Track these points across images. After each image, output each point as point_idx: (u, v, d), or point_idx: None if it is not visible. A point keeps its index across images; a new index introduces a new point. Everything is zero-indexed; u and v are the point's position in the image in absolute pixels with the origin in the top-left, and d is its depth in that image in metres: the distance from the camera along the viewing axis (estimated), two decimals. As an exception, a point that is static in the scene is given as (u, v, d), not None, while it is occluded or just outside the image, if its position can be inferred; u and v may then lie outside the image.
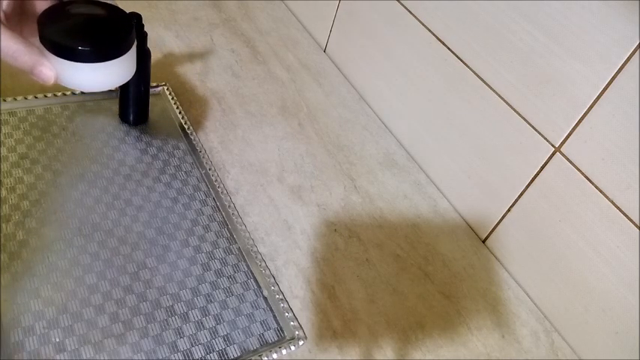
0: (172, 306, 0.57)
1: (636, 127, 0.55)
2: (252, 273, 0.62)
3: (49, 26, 0.40)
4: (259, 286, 0.61)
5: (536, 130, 0.65)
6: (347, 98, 0.92)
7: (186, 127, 0.76)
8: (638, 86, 0.54)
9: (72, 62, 0.40)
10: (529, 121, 0.65)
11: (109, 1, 0.45)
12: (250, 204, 0.70)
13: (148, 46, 0.68)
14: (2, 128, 0.68)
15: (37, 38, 0.41)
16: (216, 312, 0.58)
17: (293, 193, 0.73)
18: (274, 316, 0.59)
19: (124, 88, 0.71)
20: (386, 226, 0.72)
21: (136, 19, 0.64)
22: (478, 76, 0.71)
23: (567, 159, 0.62)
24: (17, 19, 0.41)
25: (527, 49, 0.64)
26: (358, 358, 0.58)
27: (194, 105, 0.81)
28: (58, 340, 0.52)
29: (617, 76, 0.55)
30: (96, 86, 0.43)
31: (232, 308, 0.59)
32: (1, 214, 0.59)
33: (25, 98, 0.72)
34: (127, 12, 0.63)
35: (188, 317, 0.57)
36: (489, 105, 0.70)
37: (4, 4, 0.40)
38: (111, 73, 0.42)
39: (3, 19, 0.40)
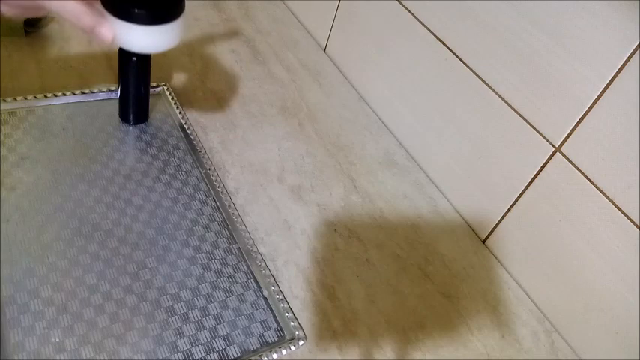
0: (172, 306, 0.57)
1: (636, 127, 0.55)
2: (252, 273, 0.62)
3: None
4: (259, 286, 0.61)
5: (536, 130, 0.65)
6: (347, 98, 0.92)
7: (186, 127, 0.76)
8: (638, 86, 0.54)
9: (129, 24, 0.43)
10: (529, 121, 0.65)
11: None
12: (250, 204, 0.70)
13: (148, 46, 0.68)
14: (2, 128, 0.68)
15: (96, 1, 0.44)
16: (216, 312, 0.58)
17: (293, 193, 0.73)
18: (274, 316, 0.59)
19: (124, 88, 0.71)
20: (386, 226, 0.72)
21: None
22: (478, 76, 0.71)
23: (567, 159, 0.62)
24: None
25: (527, 49, 0.64)
26: (358, 358, 0.58)
27: (194, 105, 0.81)
28: (58, 340, 0.52)
29: (617, 76, 0.56)
30: (147, 48, 0.47)
31: (232, 308, 0.59)
32: (1, 214, 0.59)
33: (25, 98, 0.72)
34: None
35: (188, 317, 0.57)
36: (489, 105, 0.70)
37: None
38: (161, 37, 0.46)
39: None
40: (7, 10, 0.43)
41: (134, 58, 0.67)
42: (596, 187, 0.60)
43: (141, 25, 0.44)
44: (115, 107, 0.75)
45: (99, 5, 0.44)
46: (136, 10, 0.43)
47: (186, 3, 1.00)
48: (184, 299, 0.58)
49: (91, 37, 0.45)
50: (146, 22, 0.44)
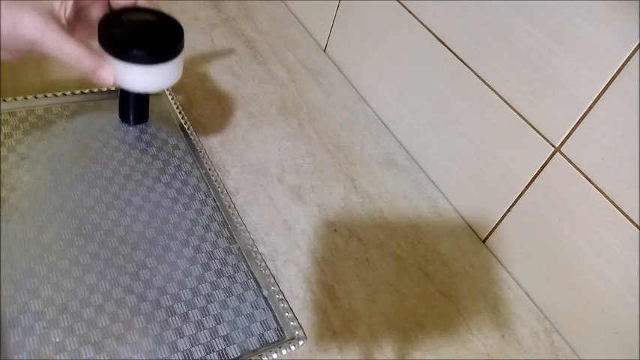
0: (172, 306, 0.57)
1: (636, 127, 0.55)
2: (252, 273, 0.62)
3: (109, 31, 0.43)
4: (259, 286, 0.61)
5: (536, 130, 0.65)
6: (347, 98, 0.92)
7: (186, 127, 0.76)
8: (638, 86, 0.54)
9: (128, 64, 0.43)
10: (529, 121, 0.65)
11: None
12: (250, 204, 0.70)
13: (148, 46, 0.68)
14: (2, 128, 0.68)
15: (92, 41, 0.44)
16: (216, 312, 0.58)
17: (293, 193, 0.73)
18: (274, 316, 0.59)
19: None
20: (386, 226, 0.72)
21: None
22: (478, 76, 0.71)
23: (567, 159, 0.62)
24: (73, 23, 0.44)
25: (527, 49, 0.64)
26: (358, 358, 0.58)
27: (194, 105, 0.81)
28: (58, 340, 0.52)
29: (617, 76, 0.56)
30: (148, 87, 0.46)
31: (232, 308, 0.59)
32: (1, 213, 0.59)
33: (25, 98, 0.72)
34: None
35: (188, 317, 0.57)
36: (489, 105, 0.70)
37: (68, 6, 0.42)
38: (161, 75, 0.46)
39: (65, 26, 0.43)
40: (4, 55, 0.43)
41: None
42: (596, 187, 0.60)
43: (141, 66, 0.44)
44: (115, 107, 0.75)
45: (97, 46, 0.44)
46: (135, 51, 0.43)
47: (187, 3, 1.00)
48: (184, 299, 0.58)
49: (91, 79, 0.45)
50: (146, 62, 0.44)
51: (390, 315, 0.63)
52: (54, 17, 0.42)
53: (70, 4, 0.43)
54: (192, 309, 0.57)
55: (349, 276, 0.65)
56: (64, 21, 0.43)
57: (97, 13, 0.46)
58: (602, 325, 0.62)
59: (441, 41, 0.75)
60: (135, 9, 0.47)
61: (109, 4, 0.47)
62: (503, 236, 0.72)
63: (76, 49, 0.43)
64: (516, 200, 0.69)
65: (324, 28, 0.99)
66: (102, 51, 0.44)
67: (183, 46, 0.46)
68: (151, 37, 0.45)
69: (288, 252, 0.66)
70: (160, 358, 0.53)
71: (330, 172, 0.78)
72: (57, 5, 0.42)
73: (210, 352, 0.54)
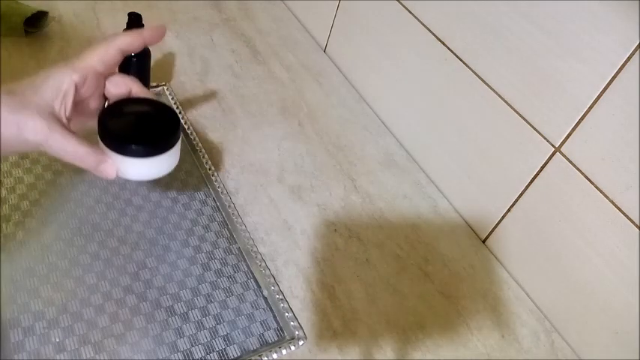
0: (172, 306, 0.57)
1: (636, 127, 0.55)
2: (252, 273, 0.62)
3: (108, 127, 0.45)
4: (259, 286, 0.61)
5: (536, 130, 0.65)
6: (347, 98, 0.92)
7: (186, 127, 0.76)
8: (638, 86, 0.54)
9: (129, 158, 0.45)
10: (529, 121, 0.65)
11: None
12: (250, 204, 0.70)
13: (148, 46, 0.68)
14: (2, 128, 0.68)
15: (84, 127, 0.47)
16: (216, 312, 0.58)
17: (293, 193, 0.73)
18: (274, 316, 0.59)
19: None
20: (386, 226, 0.72)
21: (136, 17, 0.65)
22: (478, 76, 0.71)
23: (567, 159, 0.62)
24: (70, 116, 0.45)
25: (527, 49, 0.64)
26: (358, 358, 0.58)
27: (194, 105, 0.81)
28: (58, 340, 0.52)
29: (617, 76, 0.55)
30: (149, 176, 0.48)
31: (232, 308, 0.59)
32: (1, 214, 0.59)
33: (25, 98, 0.72)
34: (129, 14, 0.63)
35: (188, 317, 0.57)
36: (489, 105, 0.70)
37: (68, 106, 0.44)
38: (161, 165, 0.47)
39: (66, 123, 0.44)
40: (7, 154, 0.44)
41: (134, 59, 0.67)
42: (596, 187, 0.60)
43: (141, 159, 0.46)
44: (115, 107, 0.75)
45: (100, 145, 0.46)
46: (135, 147, 0.44)
47: (187, 3, 1.00)
48: (184, 299, 0.58)
49: (94, 174, 0.46)
50: (146, 156, 0.46)
51: (390, 315, 0.63)
52: (56, 119, 0.43)
53: (69, 104, 0.44)
54: (192, 309, 0.57)
55: (349, 276, 0.65)
56: (64, 120, 0.44)
57: (93, 104, 0.47)
58: (602, 325, 0.62)
59: (441, 41, 0.75)
60: (131, 99, 0.48)
61: (104, 95, 0.48)
62: (503, 236, 0.72)
63: (78, 149, 0.43)
64: (516, 200, 0.69)
65: (324, 28, 0.99)
66: (103, 145, 0.46)
67: (179, 135, 0.48)
68: (148, 131, 0.46)
69: (288, 252, 0.66)
70: (160, 358, 0.53)
71: (330, 172, 0.78)
72: (57, 106, 0.43)
73: (210, 352, 0.54)
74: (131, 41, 0.47)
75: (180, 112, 0.78)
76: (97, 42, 0.46)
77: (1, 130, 0.40)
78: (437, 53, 0.76)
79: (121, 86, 0.48)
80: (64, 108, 0.43)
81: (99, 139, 0.46)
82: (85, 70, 0.44)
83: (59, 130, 0.42)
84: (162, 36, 0.49)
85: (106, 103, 0.49)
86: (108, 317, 0.54)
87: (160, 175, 0.48)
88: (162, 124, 0.47)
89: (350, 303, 0.63)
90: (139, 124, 0.47)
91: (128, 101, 0.48)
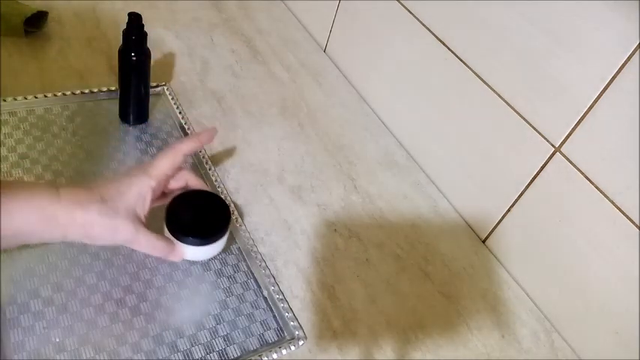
0: (172, 306, 0.57)
1: (636, 127, 0.55)
2: (252, 273, 0.62)
3: (174, 221, 0.55)
4: (259, 286, 0.61)
5: (536, 130, 0.65)
6: (347, 98, 0.92)
7: (186, 127, 0.76)
8: (638, 86, 0.54)
9: (191, 246, 0.55)
10: (529, 121, 0.65)
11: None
12: (250, 204, 0.70)
13: (148, 46, 0.68)
14: (2, 128, 0.68)
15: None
16: (216, 312, 0.58)
17: (293, 193, 0.73)
18: (274, 316, 0.59)
19: (124, 88, 0.71)
20: (386, 226, 0.72)
21: (136, 17, 0.65)
22: (478, 76, 0.71)
23: (567, 159, 0.62)
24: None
25: (527, 49, 0.64)
26: (358, 358, 0.58)
27: (194, 105, 0.81)
28: (58, 340, 0.52)
29: (617, 76, 0.55)
30: (202, 258, 0.59)
31: (232, 308, 0.59)
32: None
33: (25, 98, 0.72)
34: (129, 14, 0.63)
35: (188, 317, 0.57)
36: (489, 105, 0.70)
37: (146, 208, 0.53)
38: (213, 249, 0.57)
39: (144, 221, 0.52)
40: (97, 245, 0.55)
41: (134, 59, 0.67)
42: (596, 187, 0.60)
43: (199, 246, 0.56)
44: (115, 107, 0.75)
45: (167, 233, 0.56)
46: (195, 239, 0.55)
47: (187, 3, 1.00)
48: (184, 299, 0.58)
49: (164, 259, 0.56)
50: (204, 244, 0.56)
51: (390, 315, 0.63)
52: (138, 219, 0.51)
53: (147, 206, 0.53)
54: (192, 309, 0.57)
55: (349, 276, 0.65)
56: (143, 218, 0.52)
57: (158, 196, 0.56)
58: (602, 325, 0.62)
59: (441, 41, 0.75)
60: (189, 193, 0.58)
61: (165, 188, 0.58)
62: (503, 236, 0.72)
63: (156, 243, 0.53)
64: (516, 200, 0.69)
65: (324, 28, 0.99)
66: (167, 232, 0.56)
67: (230, 222, 0.58)
68: (205, 223, 0.56)
69: (288, 252, 0.66)
70: (160, 358, 0.53)
71: (330, 172, 0.78)
72: (139, 209, 0.51)
73: (210, 352, 0.54)
74: (193, 147, 0.58)
75: (180, 112, 0.78)
76: (166, 150, 0.55)
77: (100, 232, 0.49)
78: (437, 53, 0.76)
79: (180, 180, 0.58)
80: (143, 209, 0.52)
81: (165, 226, 0.56)
82: (160, 177, 0.54)
83: (142, 230, 0.51)
84: (214, 136, 0.60)
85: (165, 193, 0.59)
86: (108, 317, 0.54)
87: (212, 256, 0.60)
88: (216, 216, 0.57)
89: (350, 303, 0.63)
90: (197, 217, 0.56)
91: (188, 195, 0.58)
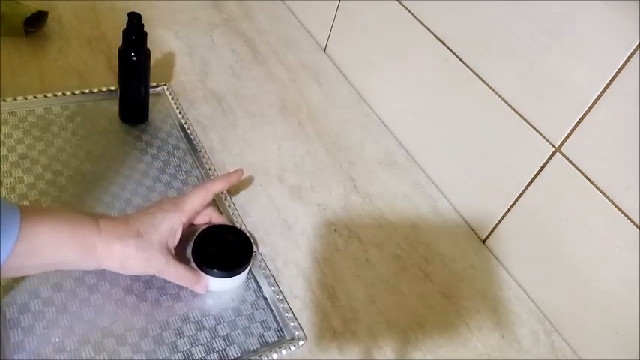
0: (172, 305, 0.57)
1: (636, 127, 0.55)
2: (252, 273, 0.62)
3: (200, 254, 0.58)
4: (259, 286, 0.61)
5: (536, 130, 0.65)
6: (347, 98, 0.92)
7: (186, 127, 0.76)
8: (638, 86, 0.54)
9: (216, 278, 0.57)
10: (529, 121, 0.65)
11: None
12: (250, 204, 0.70)
13: (148, 46, 0.68)
14: (2, 128, 0.68)
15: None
16: (216, 312, 0.58)
17: (293, 193, 0.73)
18: (274, 316, 0.59)
19: (124, 88, 0.71)
20: (386, 226, 0.72)
21: (136, 17, 0.65)
22: (478, 76, 0.71)
23: (567, 159, 0.62)
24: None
25: (527, 49, 0.64)
26: (358, 358, 0.58)
27: (194, 105, 0.81)
28: (58, 340, 0.52)
29: (618, 76, 0.55)
30: (224, 289, 0.60)
31: (232, 308, 0.59)
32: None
33: (25, 98, 0.72)
34: (129, 14, 0.63)
35: (188, 317, 0.57)
36: (489, 105, 0.70)
37: (176, 240, 0.57)
38: (238, 279, 0.60)
39: (173, 253, 0.56)
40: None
41: (134, 59, 0.67)
42: (596, 187, 0.60)
43: (223, 279, 0.58)
44: (115, 107, 0.75)
45: (192, 264, 0.59)
46: (220, 271, 0.57)
47: (187, 3, 1.00)
48: (184, 299, 0.58)
49: (190, 288, 0.58)
50: (229, 276, 0.58)
51: (390, 315, 0.63)
52: (168, 252, 0.55)
53: (177, 239, 0.57)
54: (192, 309, 0.57)
55: (349, 276, 0.65)
56: (172, 251, 0.56)
57: (185, 229, 0.59)
58: (602, 325, 0.62)
59: (441, 41, 0.75)
60: (214, 227, 0.61)
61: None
62: (503, 236, 0.72)
63: (184, 274, 0.56)
64: (516, 200, 0.69)
65: (324, 28, 0.99)
66: (193, 264, 0.58)
67: (251, 259, 0.60)
68: (230, 257, 0.58)
69: (288, 252, 0.66)
70: (160, 358, 0.53)
71: (330, 172, 0.78)
72: (170, 242, 0.56)
73: (210, 352, 0.54)
74: (222, 186, 0.63)
75: (180, 112, 0.78)
76: (198, 188, 0.60)
77: (134, 264, 0.53)
78: (437, 53, 0.76)
79: (205, 217, 0.62)
80: (173, 242, 0.56)
81: (191, 259, 0.59)
82: (190, 213, 0.58)
83: (172, 262, 0.55)
84: (242, 177, 0.66)
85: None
86: (108, 317, 0.54)
87: (234, 287, 0.60)
88: (239, 249, 0.59)
89: (350, 303, 0.63)
90: (222, 251, 0.58)
91: (213, 230, 0.60)
